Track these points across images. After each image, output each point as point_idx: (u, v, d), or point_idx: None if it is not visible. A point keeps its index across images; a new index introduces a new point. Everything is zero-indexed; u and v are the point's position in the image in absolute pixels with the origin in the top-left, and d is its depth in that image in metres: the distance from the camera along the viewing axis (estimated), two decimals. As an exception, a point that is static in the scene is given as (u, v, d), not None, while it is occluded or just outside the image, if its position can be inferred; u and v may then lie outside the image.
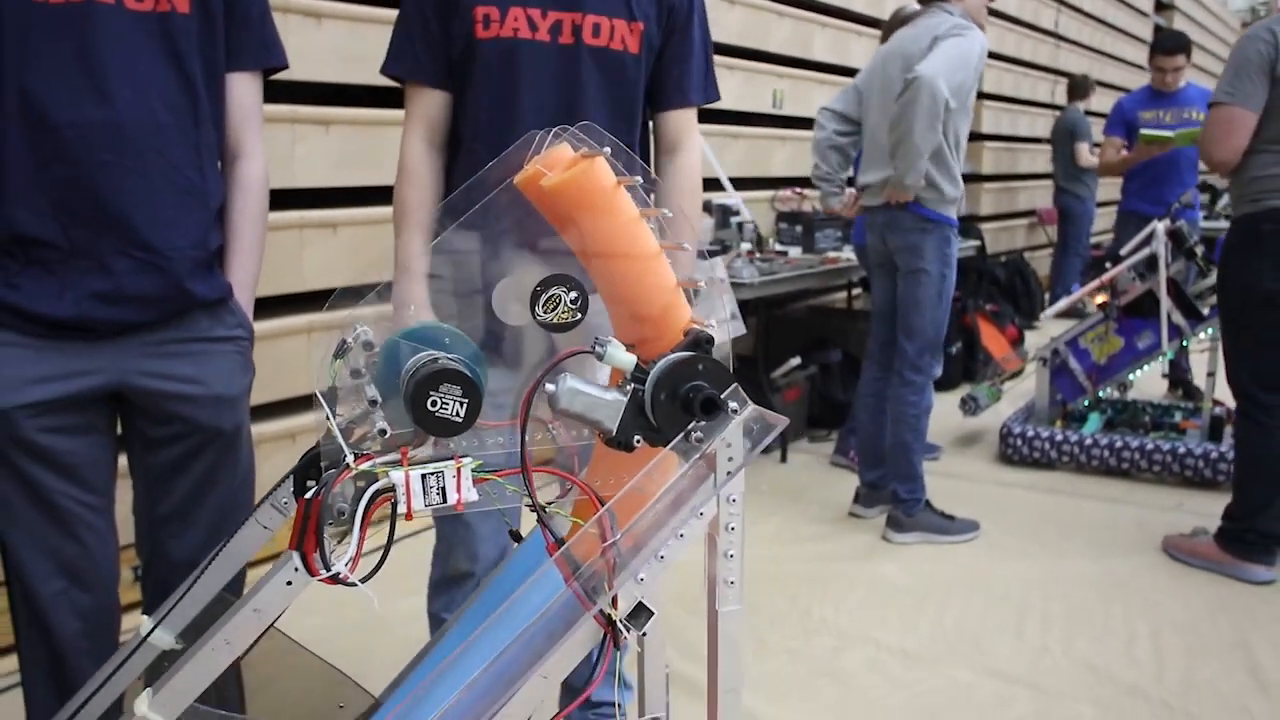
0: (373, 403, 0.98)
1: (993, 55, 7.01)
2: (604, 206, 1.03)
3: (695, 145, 1.99)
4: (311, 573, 0.95)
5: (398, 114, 1.96)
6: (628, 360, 1.00)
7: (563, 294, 1.00)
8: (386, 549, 0.98)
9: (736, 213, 4.35)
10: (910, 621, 2.94)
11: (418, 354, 1.00)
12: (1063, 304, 4.94)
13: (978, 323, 5.75)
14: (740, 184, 5.39)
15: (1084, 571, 3.28)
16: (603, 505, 1.01)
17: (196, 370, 1.70)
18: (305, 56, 3.20)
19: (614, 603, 1.00)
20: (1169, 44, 5.36)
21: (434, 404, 0.96)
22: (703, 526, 1.04)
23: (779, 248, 4.67)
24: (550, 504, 1.05)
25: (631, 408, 1.00)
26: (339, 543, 0.96)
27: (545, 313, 1.01)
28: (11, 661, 1.91)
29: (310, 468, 1.02)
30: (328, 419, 0.97)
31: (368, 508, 0.97)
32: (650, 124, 1.99)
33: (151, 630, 1.06)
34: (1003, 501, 3.97)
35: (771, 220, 5.30)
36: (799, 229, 4.85)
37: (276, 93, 3.18)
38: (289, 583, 0.96)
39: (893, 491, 3.59)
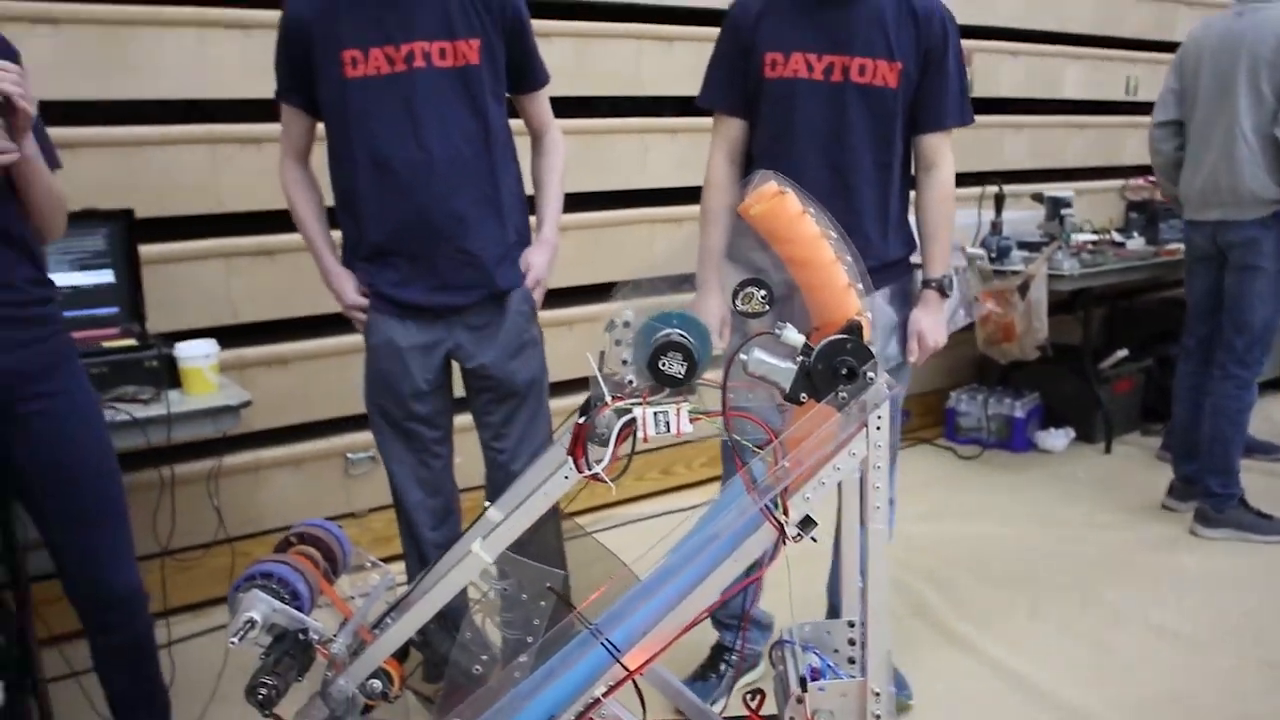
0: (623, 362, 1.45)
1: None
2: (789, 229, 1.44)
3: (948, 162, 2.36)
4: (579, 471, 1.45)
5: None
6: (798, 340, 1.40)
7: (755, 290, 1.43)
8: (629, 460, 1.46)
9: (1068, 205, 4.44)
10: (1192, 611, 3.04)
11: (656, 330, 1.46)
12: None
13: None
14: (1087, 174, 5.40)
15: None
16: (777, 438, 1.42)
17: (500, 342, 2.38)
18: (660, 77, 3.77)
19: (785, 511, 1.41)
20: None
21: (663, 365, 1.43)
22: (855, 463, 1.42)
23: (1117, 238, 4.69)
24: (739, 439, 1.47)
25: (800, 374, 1.41)
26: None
27: (743, 304, 1.44)
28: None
29: (588, 405, 1.51)
30: (596, 371, 1.46)
31: (619, 432, 1.45)
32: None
33: (486, 509, 1.60)
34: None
35: (1122, 210, 5.27)
36: (1144, 219, 4.83)
37: (629, 109, 3.78)
38: (566, 477, 1.47)
39: (1205, 485, 3.62)
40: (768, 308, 1.44)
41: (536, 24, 2.43)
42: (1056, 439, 4.55)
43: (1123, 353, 4.66)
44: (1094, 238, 4.57)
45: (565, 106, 2.82)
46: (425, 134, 2.23)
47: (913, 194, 2.44)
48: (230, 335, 3.06)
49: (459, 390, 2.50)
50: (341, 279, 2.35)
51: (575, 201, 3.77)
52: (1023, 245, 4.37)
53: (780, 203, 1.44)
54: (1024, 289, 4.06)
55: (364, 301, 2.33)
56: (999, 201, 4.37)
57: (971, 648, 2.83)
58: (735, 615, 2.53)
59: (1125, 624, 2.97)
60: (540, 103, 2.47)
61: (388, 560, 1.76)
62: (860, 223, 2.29)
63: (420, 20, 2.21)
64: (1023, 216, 4.57)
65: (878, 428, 1.41)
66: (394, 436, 2.40)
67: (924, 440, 4.71)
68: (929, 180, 2.36)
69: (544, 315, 2.53)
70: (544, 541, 1.61)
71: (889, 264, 2.36)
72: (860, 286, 1.48)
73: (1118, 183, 5.43)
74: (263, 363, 3.18)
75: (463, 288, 2.32)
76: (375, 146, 2.23)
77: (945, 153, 2.35)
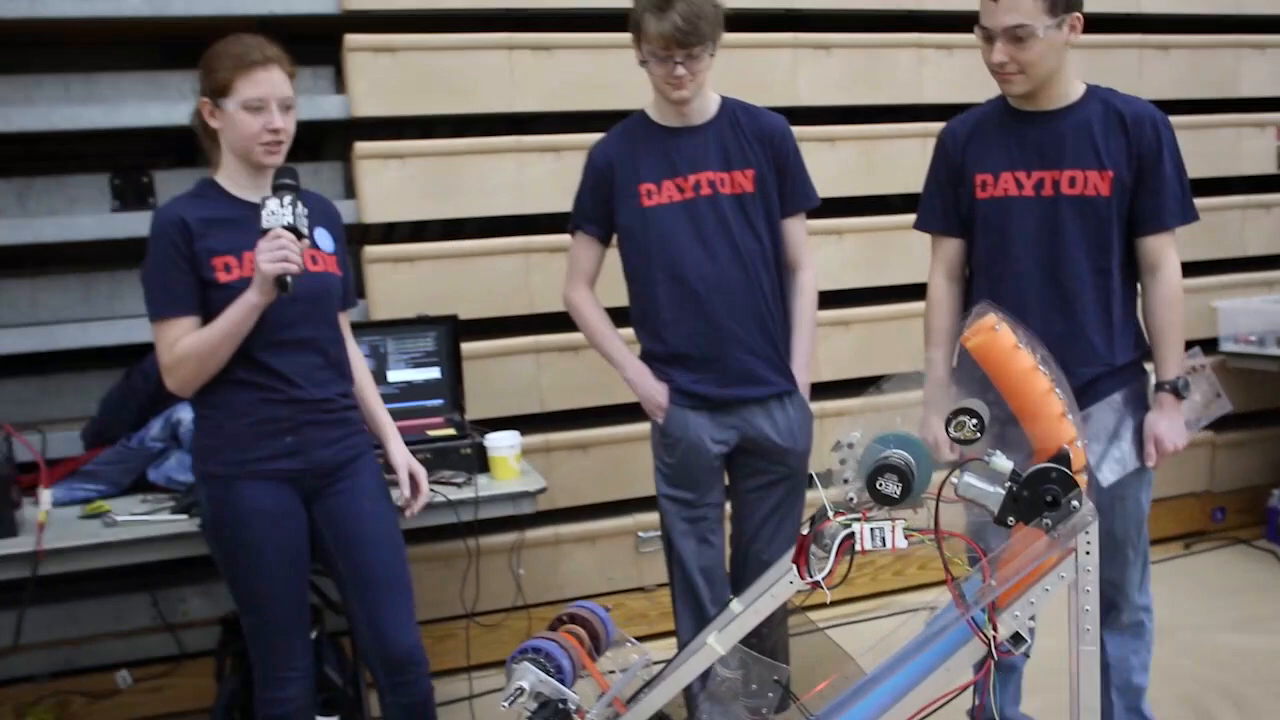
0: (844, 481, 1.61)
1: None
2: (1003, 363, 1.54)
3: (1171, 262, 2.34)
4: (802, 578, 1.61)
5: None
6: (1006, 466, 1.50)
7: (966, 419, 1.54)
8: (847, 571, 1.60)
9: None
10: None
11: (878, 451, 1.61)
12: None
13: None
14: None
15: None
16: (985, 556, 1.52)
17: (779, 428, 2.61)
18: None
19: (994, 626, 1.51)
20: None
21: (880, 485, 1.57)
22: (1063, 585, 1.49)
23: None
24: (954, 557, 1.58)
25: (1008, 499, 1.50)
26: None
27: (955, 432, 1.55)
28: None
29: (814, 518, 1.67)
30: (820, 488, 1.62)
31: (839, 544, 1.60)
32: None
33: (728, 602, 1.79)
34: None
35: None
36: None
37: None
38: (790, 582, 1.63)
39: None
40: (979, 435, 1.54)
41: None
42: (1398, 548, 4.13)
43: None
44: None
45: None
46: (714, 252, 2.55)
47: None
48: (538, 422, 3.47)
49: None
50: (645, 375, 2.66)
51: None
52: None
53: (994, 338, 1.55)
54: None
55: (664, 400, 2.63)
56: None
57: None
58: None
59: None
60: (799, 230, 2.69)
61: (667, 635, 1.97)
62: (1083, 331, 2.31)
63: (704, 155, 2.57)
64: None
65: (1086, 552, 1.49)
66: (680, 516, 2.67)
67: (1241, 540, 4.40)
68: (1153, 282, 2.35)
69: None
70: (776, 635, 1.78)
71: (1117, 369, 2.35)
72: (1074, 417, 1.56)
73: None
74: (565, 447, 3.53)
75: (748, 384, 2.60)
76: (672, 264, 2.57)
77: (1168, 253, 2.33)
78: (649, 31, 2.44)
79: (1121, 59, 4.10)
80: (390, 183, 3.30)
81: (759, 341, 2.59)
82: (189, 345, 2.12)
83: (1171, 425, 2.33)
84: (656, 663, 2.09)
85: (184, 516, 2.49)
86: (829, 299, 3.88)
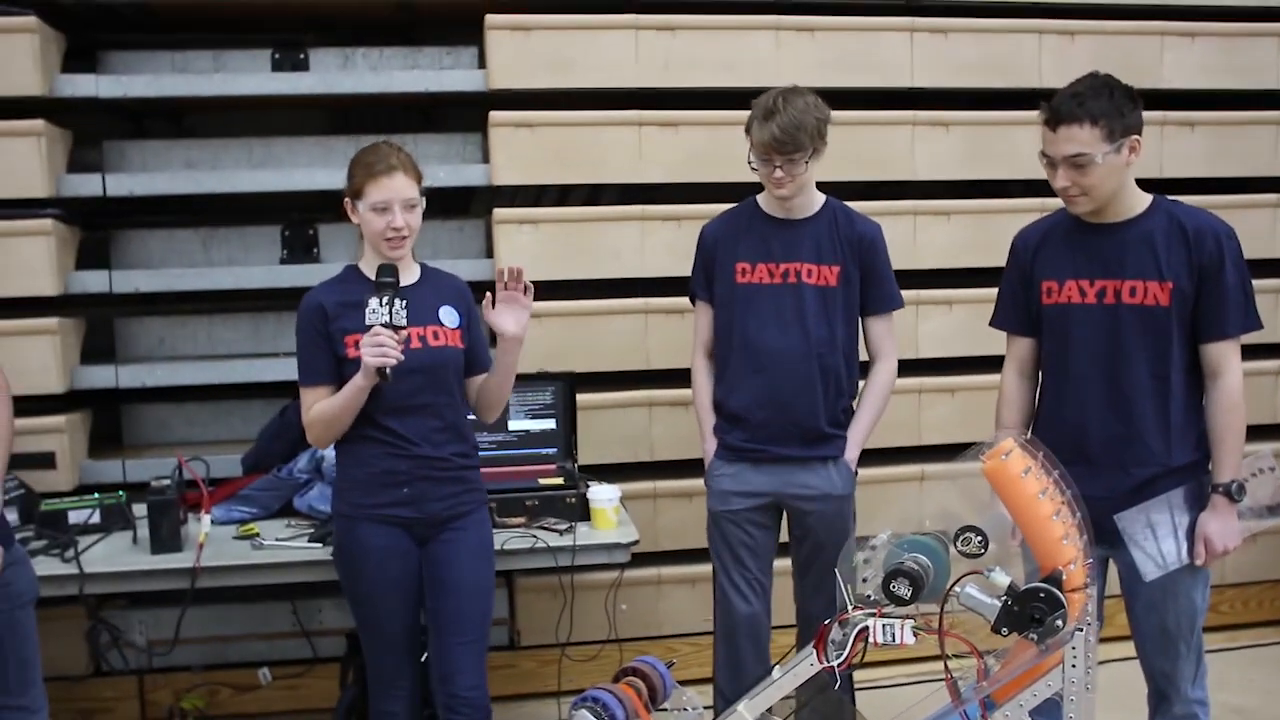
0: (864, 580, 1.81)
1: None
2: (1008, 489, 1.72)
3: (1232, 369, 2.42)
4: (820, 662, 1.82)
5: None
6: (1003, 581, 1.69)
7: (972, 535, 1.73)
8: (861, 657, 1.80)
9: None
10: None
11: (898, 556, 1.81)
12: None
13: None
14: None
15: None
16: (980, 656, 1.70)
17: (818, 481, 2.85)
18: (933, 246, 3.94)
19: (985, 725, 1.69)
20: None
21: (893, 587, 1.77)
22: (1049, 691, 1.66)
23: None
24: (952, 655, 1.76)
25: (1004, 611, 1.69)
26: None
27: (963, 547, 1.74)
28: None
29: (835, 609, 1.88)
30: (842, 584, 1.83)
31: (854, 636, 1.80)
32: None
33: (773, 666, 2.01)
34: None
35: None
36: None
37: (903, 281, 3.88)
38: (811, 664, 1.85)
39: None
40: (983, 551, 1.73)
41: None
42: None
43: None
44: None
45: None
46: (786, 331, 2.80)
47: None
48: (648, 470, 3.74)
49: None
50: (710, 439, 2.96)
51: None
52: None
53: (1001, 467, 1.74)
54: None
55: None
56: None
57: None
58: None
59: None
60: (880, 328, 2.94)
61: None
62: (1140, 434, 2.42)
63: (798, 247, 2.83)
64: None
65: (1073, 665, 1.65)
66: (728, 560, 2.93)
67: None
68: (1213, 388, 2.43)
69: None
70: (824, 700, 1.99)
71: (1174, 470, 2.43)
72: (1075, 541, 1.72)
73: None
74: (671, 495, 3.78)
75: (789, 445, 2.85)
76: (747, 334, 2.84)
77: (1229, 360, 2.41)
78: (754, 136, 2.73)
79: (1144, 47, 3.99)
80: (524, 244, 3.62)
81: (812, 412, 2.82)
82: (318, 411, 2.49)
83: (1224, 526, 2.41)
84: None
85: (319, 545, 2.86)
86: (934, 367, 4.04)
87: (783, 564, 3.04)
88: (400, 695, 2.62)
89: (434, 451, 2.53)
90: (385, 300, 2.39)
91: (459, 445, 2.60)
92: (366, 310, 2.39)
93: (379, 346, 2.36)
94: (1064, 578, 1.67)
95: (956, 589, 1.72)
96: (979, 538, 1.73)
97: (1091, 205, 2.41)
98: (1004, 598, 1.68)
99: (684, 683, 2.19)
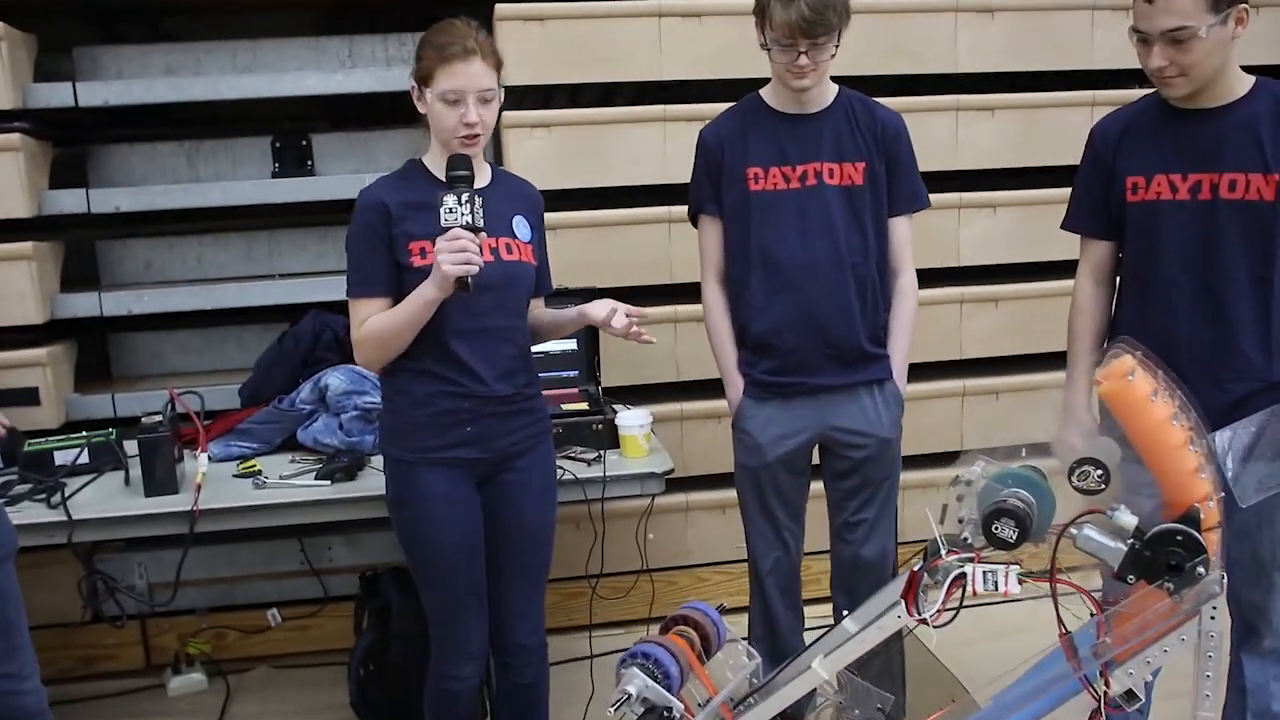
0: (960, 520, 1.57)
1: None
2: (1135, 415, 1.47)
3: None
4: (910, 614, 1.59)
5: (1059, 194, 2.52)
6: (1130, 522, 1.45)
7: (1090, 469, 1.49)
8: (958, 610, 1.57)
9: None
10: None
11: (997, 492, 1.56)
12: None
13: None
14: None
15: None
16: (1102, 611, 1.47)
17: (867, 416, 2.56)
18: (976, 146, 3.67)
19: (1106, 683, 1.47)
20: None
21: (996, 529, 1.53)
22: (1183, 649, 1.44)
23: None
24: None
25: (1129, 556, 1.45)
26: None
27: (1079, 481, 1.50)
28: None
29: (925, 553, 1.64)
30: (935, 525, 1.59)
31: (949, 584, 1.57)
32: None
33: (842, 617, 1.79)
34: None
35: None
36: None
37: (944, 183, 3.69)
38: (899, 616, 1.62)
39: None
40: (1103, 487, 1.49)
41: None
42: None
43: None
44: None
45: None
46: (812, 244, 2.48)
47: None
48: (674, 391, 3.50)
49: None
50: (734, 377, 2.64)
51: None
52: None
53: (1127, 389, 1.48)
54: None
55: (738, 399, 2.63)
56: None
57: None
58: None
59: None
60: (903, 231, 2.59)
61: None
62: (1236, 343, 2.18)
63: (816, 145, 2.49)
64: None
65: (1211, 617, 1.42)
66: (758, 512, 2.67)
67: None
68: None
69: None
70: (887, 659, 1.77)
71: (1275, 384, 2.18)
72: (1210, 473, 1.48)
73: None
74: (699, 417, 3.55)
75: (827, 372, 2.54)
76: (767, 249, 2.51)
77: None
78: (774, 18, 2.35)
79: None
80: (535, 151, 3.33)
81: (851, 330, 2.51)
82: (372, 327, 2.17)
83: None
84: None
85: (327, 482, 2.62)
86: (977, 274, 3.78)
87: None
88: (470, 657, 2.37)
89: (501, 388, 2.27)
90: (465, 198, 2.08)
91: (527, 375, 2.36)
92: (442, 209, 2.07)
93: (462, 252, 2.05)
94: (1201, 516, 1.43)
95: (1073, 529, 1.48)
96: (1099, 471, 1.48)
97: (1189, 88, 2.12)
98: (1131, 540, 1.45)
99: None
